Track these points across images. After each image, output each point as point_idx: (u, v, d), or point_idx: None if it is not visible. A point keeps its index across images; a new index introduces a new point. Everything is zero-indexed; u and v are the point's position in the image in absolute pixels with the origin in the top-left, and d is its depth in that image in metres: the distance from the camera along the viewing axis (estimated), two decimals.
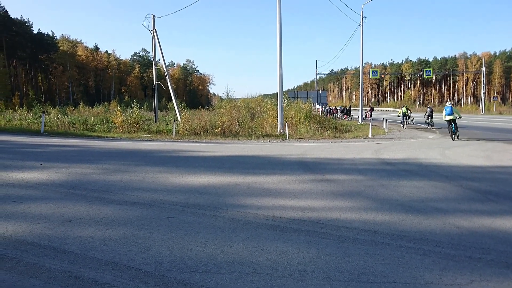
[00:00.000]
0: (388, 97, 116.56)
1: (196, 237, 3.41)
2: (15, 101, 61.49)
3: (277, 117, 17.74)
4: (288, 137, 15.47)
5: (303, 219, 4.06)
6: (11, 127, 18.63)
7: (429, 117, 22.78)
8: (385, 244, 3.35)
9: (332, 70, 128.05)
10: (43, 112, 20.28)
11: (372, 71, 38.36)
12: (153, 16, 23.84)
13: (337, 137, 16.12)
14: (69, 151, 10.22)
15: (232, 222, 3.88)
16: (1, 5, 72.04)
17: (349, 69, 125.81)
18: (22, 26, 74.82)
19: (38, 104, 38.06)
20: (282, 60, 16.70)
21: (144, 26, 23.98)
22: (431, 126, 22.31)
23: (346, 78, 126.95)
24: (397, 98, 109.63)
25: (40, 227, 3.56)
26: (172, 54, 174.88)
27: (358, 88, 33.75)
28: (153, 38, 23.94)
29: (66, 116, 24.90)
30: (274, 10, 16.74)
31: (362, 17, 27.69)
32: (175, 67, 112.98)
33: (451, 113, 14.61)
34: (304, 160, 8.92)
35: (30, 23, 78.42)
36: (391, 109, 71.43)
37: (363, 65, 29.43)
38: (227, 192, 5.21)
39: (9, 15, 72.60)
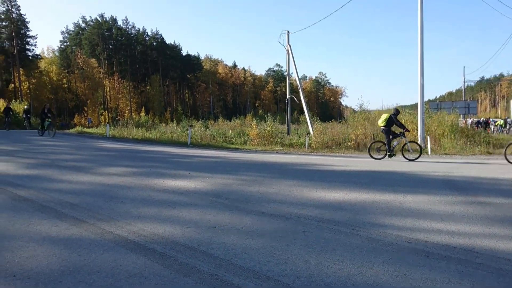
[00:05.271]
0: None
1: (332, 254, 3.32)
2: (167, 115, 70.60)
3: (416, 130, 16.52)
4: (430, 152, 14.25)
5: (452, 245, 3.62)
6: (164, 139, 21.34)
7: None
8: None
9: (483, 77, 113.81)
10: (190, 126, 22.71)
11: None
12: (288, 32, 24.78)
13: (490, 153, 14.22)
14: (211, 162, 11.17)
15: (370, 242, 3.69)
16: (159, 33, 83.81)
17: (505, 75, 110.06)
18: (174, 50, 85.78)
19: (185, 118, 42.76)
20: (423, 68, 15.54)
21: (279, 42, 25.16)
22: None
23: (501, 85, 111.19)
24: None
25: (190, 231, 3.92)
26: (304, 67, 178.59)
27: None
28: (287, 53, 24.81)
29: (208, 129, 27.52)
30: (414, 15, 15.75)
31: None
32: (307, 80, 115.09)
33: None
34: (451, 179, 8.04)
35: (180, 47, 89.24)
36: None
37: None
38: (364, 210, 5.00)
39: (165, 41, 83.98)
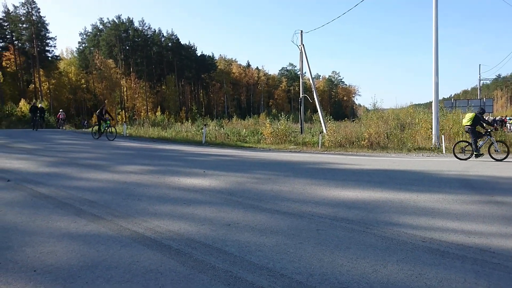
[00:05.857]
0: None
1: (346, 253, 3.33)
2: (182, 115, 71.10)
3: (431, 129, 16.32)
4: (445, 151, 14.04)
5: (468, 245, 3.59)
6: (179, 138, 21.53)
7: None
8: None
9: (499, 74, 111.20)
10: (205, 125, 22.87)
11: None
12: (301, 31, 24.69)
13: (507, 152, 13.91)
14: (225, 160, 11.24)
15: (384, 241, 3.68)
16: (174, 34, 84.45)
17: None
18: (189, 50, 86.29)
19: (200, 118, 42.98)
20: (438, 67, 15.32)
21: (293, 42, 25.12)
22: None
23: None
24: None
25: (205, 228, 3.97)
26: (318, 66, 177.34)
27: None
28: (301, 52, 24.74)
29: (222, 128, 27.65)
30: (428, 12, 15.53)
31: None
32: (320, 79, 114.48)
33: None
34: (466, 178, 7.94)
35: (195, 47, 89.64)
36: None
37: None
38: (378, 208, 4.98)
39: (180, 42, 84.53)
